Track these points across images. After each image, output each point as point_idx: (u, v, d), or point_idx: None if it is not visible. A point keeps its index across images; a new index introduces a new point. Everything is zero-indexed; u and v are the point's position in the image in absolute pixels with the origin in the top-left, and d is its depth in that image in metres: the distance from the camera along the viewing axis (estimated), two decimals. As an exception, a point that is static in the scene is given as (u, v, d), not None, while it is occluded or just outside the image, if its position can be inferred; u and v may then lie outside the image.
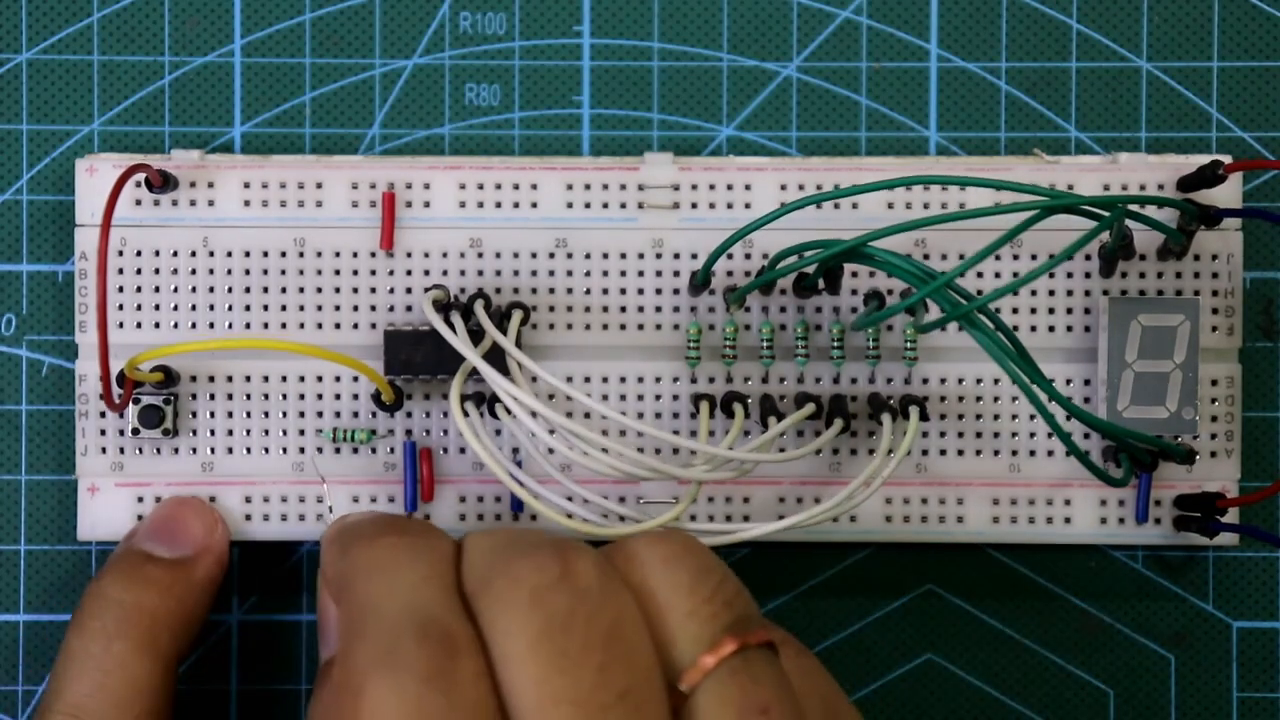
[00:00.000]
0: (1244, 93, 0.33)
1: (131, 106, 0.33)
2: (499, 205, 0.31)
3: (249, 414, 0.31)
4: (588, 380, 0.31)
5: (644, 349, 0.32)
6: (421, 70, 0.33)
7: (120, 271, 0.31)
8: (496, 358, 0.29)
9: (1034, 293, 0.32)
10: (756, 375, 0.31)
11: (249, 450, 0.31)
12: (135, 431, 0.31)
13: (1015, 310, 0.32)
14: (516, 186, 0.31)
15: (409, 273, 0.31)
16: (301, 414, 0.31)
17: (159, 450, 0.31)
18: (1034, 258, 0.32)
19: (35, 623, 0.32)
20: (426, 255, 0.31)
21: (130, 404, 0.31)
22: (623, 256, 0.31)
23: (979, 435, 0.32)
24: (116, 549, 0.31)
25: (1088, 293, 0.32)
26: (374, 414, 0.31)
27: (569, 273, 0.31)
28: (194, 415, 0.31)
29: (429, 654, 0.22)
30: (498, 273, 0.31)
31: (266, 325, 0.31)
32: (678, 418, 0.31)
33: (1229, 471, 0.32)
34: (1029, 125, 0.33)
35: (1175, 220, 0.30)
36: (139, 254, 0.31)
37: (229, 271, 0.31)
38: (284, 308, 0.31)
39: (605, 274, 0.31)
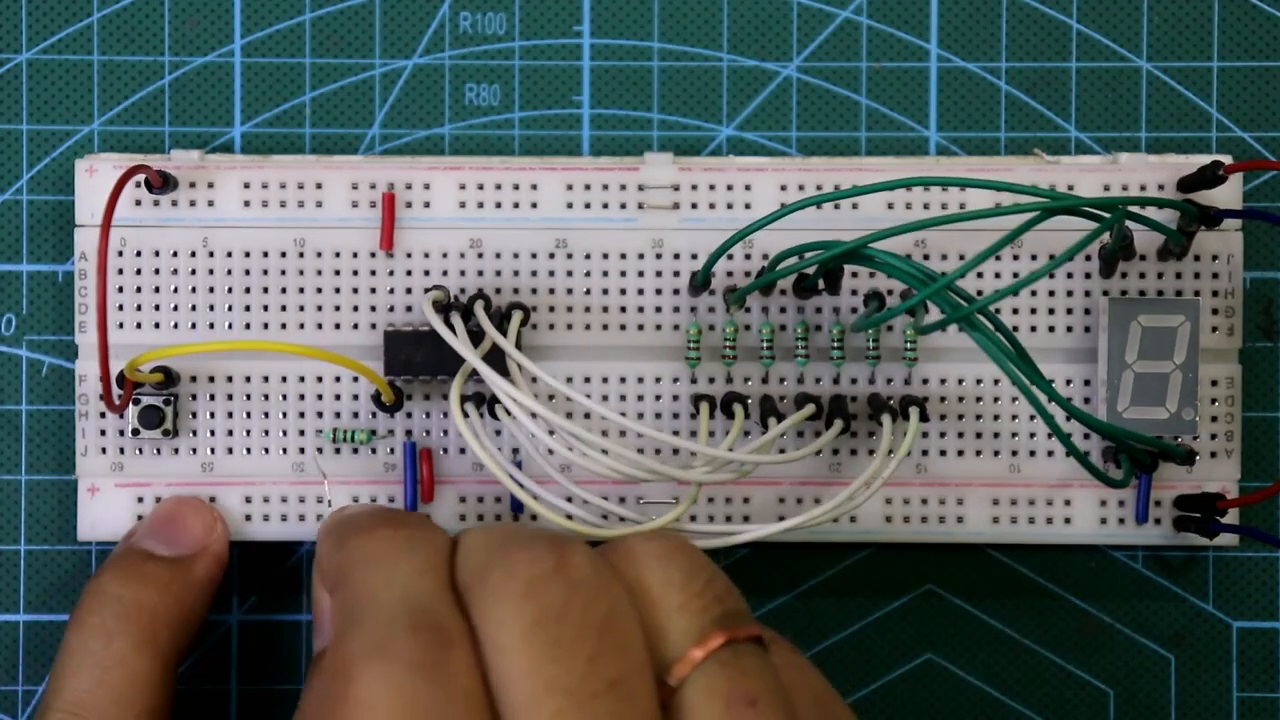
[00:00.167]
0: (1244, 93, 0.33)
1: (131, 106, 0.33)
2: (499, 205, 0.31)
3: (249, 414, 0.31)
4: (587, 381, 0.31)
5: (644, 349, 0.32)
6: (421, 70, 0.33)
7: (120, 272, 0.31)
8: (496, 358, 0.29)
9: (1034, 293, 0.32)
10: (756, 376, 0.31)
11: (249, 450, 0.31)
12: (135, 432, 0.31)
13: (1015, 311, 0.32)
14: (516, 187, 0.31)
15: (409, 273, 0.31)
16: (301, 414, 0.31)
17: (159, 450, 0.31)
18: (1034, 258, 0.32)
19: (35, 623, 0.32)
20: (426, 255, 0.31)
21: (130, 404, 0.31)
22: (623, 257, 0.31)
23: (979, 436, 0.32)
24: (116, 548, 0.31)
25: (1088, 293, 0.32)
26: (374, 414, 0.31)
27: (569, 273, 0.31)
28: (194, 416, 0.31)
29: (421, 644, 0.22)
30: (498, 273, 0.31)
31: (266, 326, 0.31)
32: (677, 418, 0.31)
33: (1229, 472, 0.32)
34: (1029, 125, 0.33)
35: (1175, 221, 0.30)
36: (139, 254, 0.31)
37: (229, 272, 0.31)
38: (284, 308, 0.31)
39: (605, 274, 0.31)
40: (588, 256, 0.31)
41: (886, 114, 0.33)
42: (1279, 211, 0.33)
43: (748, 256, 0.31)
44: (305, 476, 0.31)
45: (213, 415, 0.31)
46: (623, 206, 0.32)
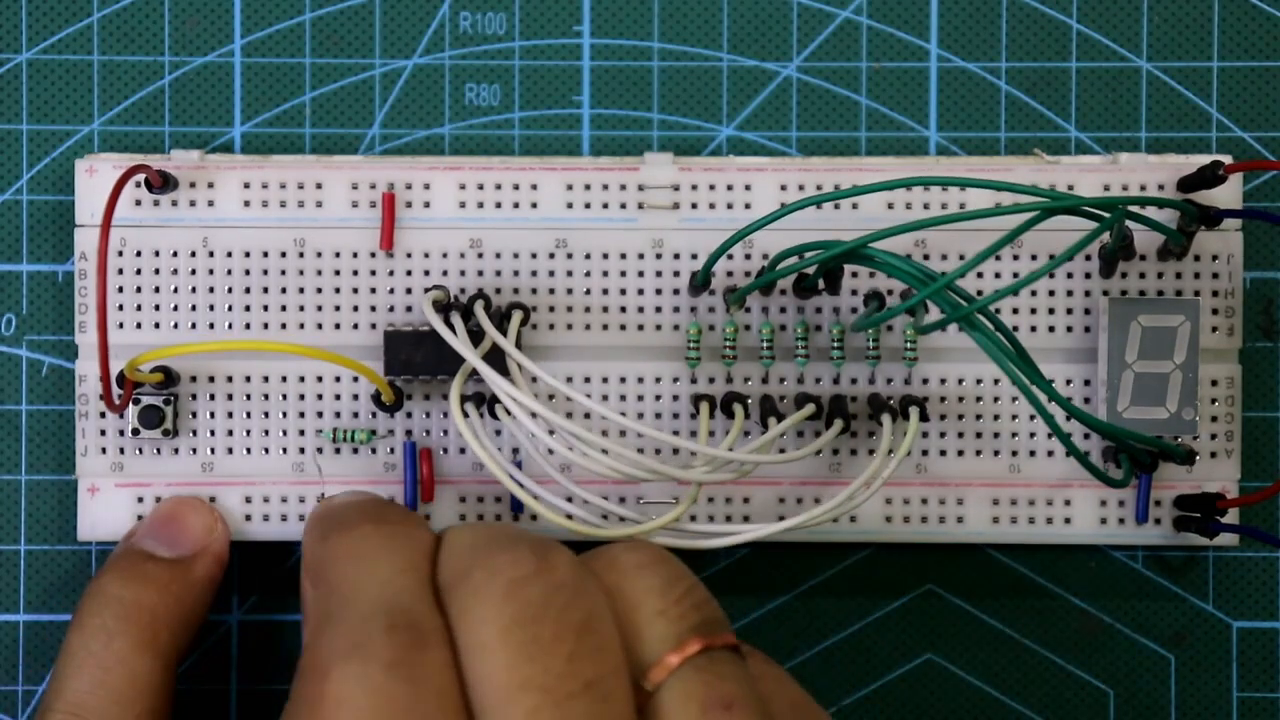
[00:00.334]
0: (1244, 93, 0.33)
1: (131, 106, 0.33)
2: (499, 205, 0.31)
3: (249, 414, 0.31)
4: (587, 381, 0.31)
5: (644, 349, 0.32)
6: (421, 70, 0.33)
7: (120, 272, 0.31)
8: (496, 358, 0.29)
9: (1034, 293, 0.32)
10: (756, 376, 0.31)
11: (249, 450, 0.31)
12: (135, 432, 0.31)
13: (1015, 311, 0.32)
14: (516, 187, 0.31)
15: (409, 273, 0.31)
16: (301, 414, 0.31)
17: (159, 450, 0.31)
18: (1034, 258, 0.32)
19: (35, 623, 0.32)
20: (426, 255, 0.31)
21: (130, 404, 0.31)
22: (623, 257, 0.31)
23: (979, 436, 0.32)
24: (116, 548, 0.31)
25: (1088, 293, 0.32)
26: (374, 414, 0.31)
27: (569, 273, 0.31)
28: (194, 415, 0.31)
29: (396, 643, 0.22)
30: (498, 273, 0.31)
31: (266, 325, 0.31)
32: (678, 418, 0.31)
33: (1229, 472, 0.32)
34: (1029, 125, 0.33)
35: (1175, 221, 0.30)
36: (139, 254, 0.31)
37: (229, 272, 0.31)
38: (284, 308, 0.31)
39: (605, 274, 0.31)
40: (588, 256, 0.31)
41: (886, 114, 0.33)
42: (1279, 211, 0.33)
43: (748, 256, 0.32)
44: (305, 476, 0.31)
45: (213, 415, 0.31)
46: (623, 206, 0.32)
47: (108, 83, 0.33)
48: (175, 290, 0.31)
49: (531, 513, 0.31)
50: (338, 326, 0.31)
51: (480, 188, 0.31)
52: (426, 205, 0.31)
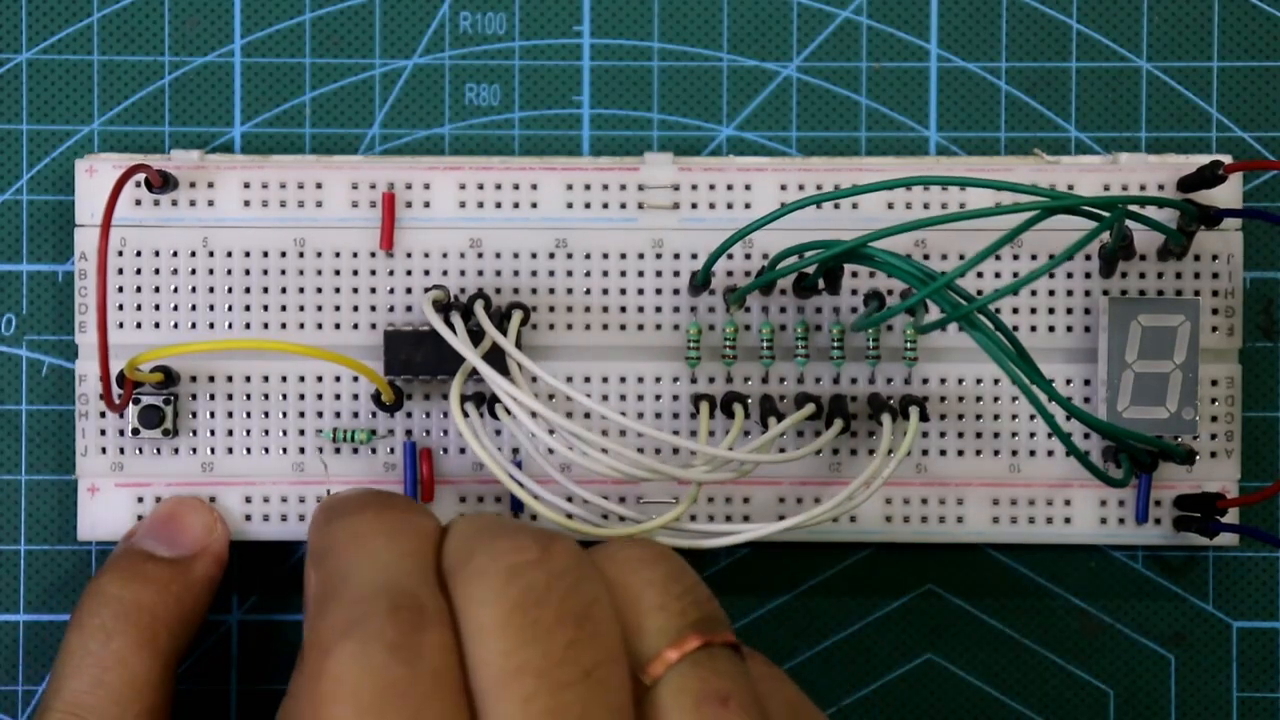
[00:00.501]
0: (1244, 93, 0.33)
1: (131, 106, 0.33)
2: (499, 205, 0.31)
3: (249, 414, 0.31)
4: (587, 381, 0.31)
5: (644, 349, 0.32)
6: (421, 70, 0.33)
7: (120, 271, 0.31)
8: (496, 358, 0.29)
9: (1034, 293, 0.32)
10: (756, 375, 0.31)
11: (249, 450, 0.31)
12: (135, 432, 0.31)
13: (1015, 310, 0.32)
14: (516, 186, 0.31)
15: (409, 273, 0.31)
16: (301, 414, 0.31)
17: (159, 450, 0.31)
18: (1034, 258, 0.32)
19: (35, 623, 0.32)
20: (426, 255, 0.31)
21: (130, 404, 0.31)
22: (623, 256, 0.31)
23: (979, 435, 0.32)
24: (116, 548, 0.31)
25: (1088, 293, 0.32)
26: (374, 414, 0.31)
27: (569, 273, 0.31)
28: (194, 415, 0.31)
29: (397, 624, 0.22)
30: (498, 273, 0.31)
31: (266, 325, 0.31)
32: (678, 418, 0.31)
33: (1229, 472, 0.32)
34: (1029, 125, 0.33)
35: (1175, 220, 0.30)
36: (139, 254, 0.31)
37: (229, 272, 0.31)
38: (284, 308, 0.31)
39: (605, 274, 0.31)
40: (588, 256, 0.31)
41: (886, 114, 0.33)
42: (1279, 211, 0.33)
43: (748, 256, 0.32)
44: (305, 476, 0.31)
45: (213, 415, 0.31)
46: (623, 206, 0.32)
47: (108, 83, 0.33)
48: (175, 290, 0.31)
49: (531, 512, 0.30)
50: (338, 326, 0.31)
51: (480, 188, 0.31)
52: (426, 205, 0.31)
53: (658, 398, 0.31)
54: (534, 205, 0.32)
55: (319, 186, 0.31)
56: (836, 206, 0.31)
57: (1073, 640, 0.33)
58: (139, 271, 0.31)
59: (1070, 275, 0.32)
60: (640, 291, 0.31)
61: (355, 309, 0.31)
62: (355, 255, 0.31)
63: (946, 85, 0.33)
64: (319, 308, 0.31)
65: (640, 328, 0.31)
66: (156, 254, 0.31)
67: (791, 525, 0.29)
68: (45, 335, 0.32)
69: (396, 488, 0.31)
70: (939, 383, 0.32)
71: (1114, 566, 0.33)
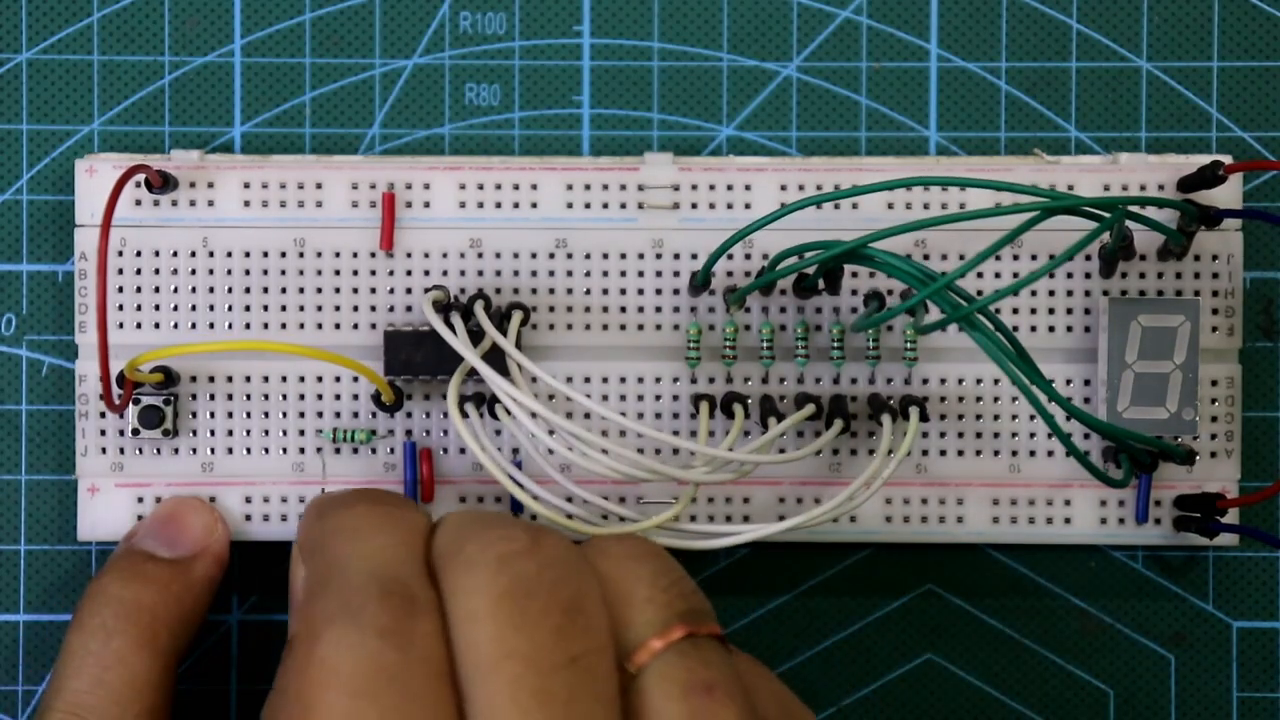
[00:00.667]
0: (1244, 93, 0.33)
1: (131, 106, 0.33)
2: (499, 205, 0.31)
3: (249, 414, 0.31)
4: (587, 381, 0.31)
5: (644, 349, 0.32)
6: (421, 70, 0.33)
7: (120, 272, 0.31)
8: (496, 358, 0.29)
9: (1034, 293, 0.32)
10: (756, 376, 0.31)
11: (249, 450, 0.31)
12: (135, 432, 0.31)
13: (1015, 311, 0.32)
14: (516, 187, 0.31)
15: (409, 273, 0.31)
16: (301, 414, 0.31)
17: (159, 450, 0.31)
18: (1034, 258, 0.32)
19: (35, 623, 0.32)
20: (426, 255, 0.31)
21: (130, 404, 0.31)
22: (623, 257, 0.31)
23: (979, 436, 0.32)
24: (116, 548, 0.31)
25: (1088, 293, 0.32)
26: (374, 414, 0.31)
27: (569, 273, 0.31)
28: (194, 416, 0.31)
29: (389, 610, 0.22)
30: (498, 273, 0.31)
31: (266, 326, 0.31)
32: (677, 418, 0.31)
33: (1229, 472, 0.32)
34: (1029, 125, 0.33)
35: (1175, 221, 0.30)
36: (139, 254, 0.31)
37: (229, 272, 0.31)
38: (284, 308, 0.31)
39: (605, 274, 0.31)
40: (588, 256, 0.31)
41: (886, 114, 0.33)
42: (1279, 211, 0.33)
43: (748, 256, 0.32)
44: (305, 477, 0.31)
45: (213, 415, 0.31)
46: (623, 206, 0.32)
47: (108, 83, 0.33)
48: (175, 290, 0.31)
49: (531, 513, 0.30)
50: (338, 326, 0.31)
51: (480, 188, 0.31)
52: (426, 205, 0.31)
53: (657, 398, 0.31)
54: (534, 205, 0.32)
55: (319, 186, 0.31)
56: (836, 207, 0.31)
57: (1073, 640, 0.33)
58: (139, 272, 0.31)
59: (1070, 275, 0.32)
60: (640, 292, 0.31)
61: (355, 309, 0.31)
62: (355, 255, 0.31)
63: (946, 85, 0.33)
64: (319, 308, 0.31)
65: (640, 328, 0.31)
66: (156, 254, 0.31)
67: (791, 526, 0.29)
68: (45, 335, 0.32)
69: (396, 488, 0.31)
70: (939, 383, 0.32)
71: (1114, 566, 0.33)
